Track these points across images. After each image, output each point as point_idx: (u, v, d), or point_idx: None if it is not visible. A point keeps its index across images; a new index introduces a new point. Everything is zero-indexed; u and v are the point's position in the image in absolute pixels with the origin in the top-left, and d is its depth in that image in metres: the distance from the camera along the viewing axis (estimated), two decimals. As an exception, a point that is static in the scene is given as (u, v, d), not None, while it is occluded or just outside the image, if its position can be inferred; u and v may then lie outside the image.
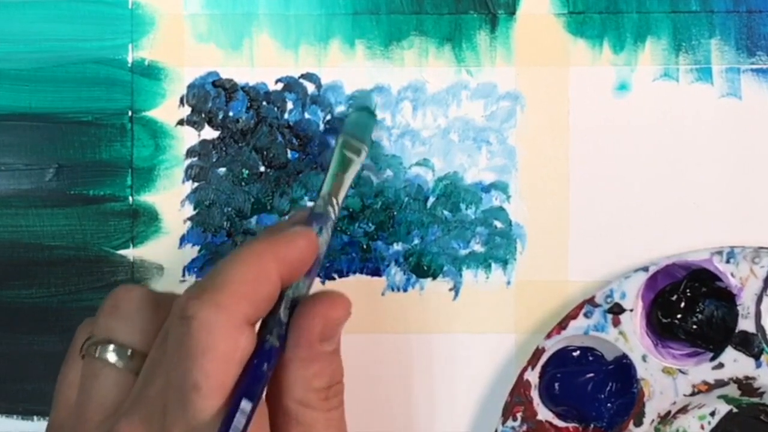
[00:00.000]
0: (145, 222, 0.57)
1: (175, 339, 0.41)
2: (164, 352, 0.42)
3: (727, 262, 0.54)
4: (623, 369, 0.55)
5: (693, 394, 0.54)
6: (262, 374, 0.42)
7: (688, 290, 0.55)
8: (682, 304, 0.55)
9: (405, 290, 0.57)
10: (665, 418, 0.55)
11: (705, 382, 0.54)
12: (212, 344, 0.40)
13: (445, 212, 0.57)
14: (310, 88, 0.57)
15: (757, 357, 0.54)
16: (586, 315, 0.54)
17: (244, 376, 0.41)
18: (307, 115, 0.57)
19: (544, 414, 0.55)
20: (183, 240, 0.57)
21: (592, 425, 0.55)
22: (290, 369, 0.43)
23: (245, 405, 0.40)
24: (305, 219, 0.47)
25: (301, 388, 0.43)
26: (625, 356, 0.54)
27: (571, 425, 0.55)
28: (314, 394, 0.43)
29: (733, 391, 0.54)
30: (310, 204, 0.56)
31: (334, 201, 0.48)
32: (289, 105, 0.57)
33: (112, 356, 0.44)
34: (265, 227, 0.51)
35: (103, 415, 0.43)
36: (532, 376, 0.55)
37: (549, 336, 0.55)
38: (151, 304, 0.45)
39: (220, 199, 0.57)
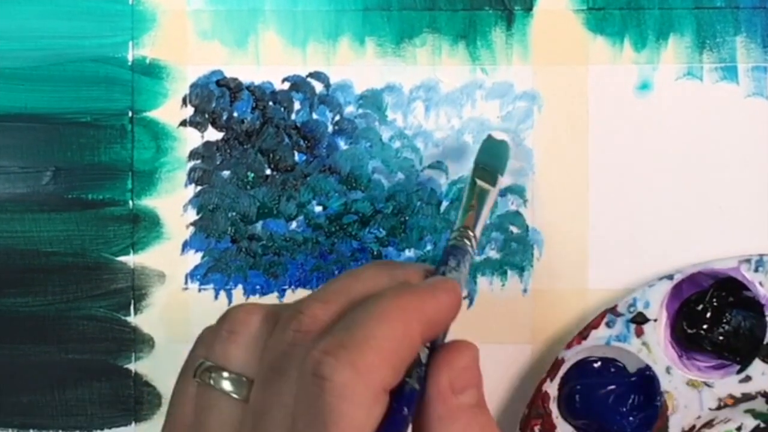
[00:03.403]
0: (146, 227, 0.57)
1: (305, 399, 0.38)
2: (286, 403, 0.39)
3: (756, 270, 0.53)
4: (646, 381, 0.54)
5: (719, 407, 0.54)
6: (402, 420, 0.39)
7: (714, 300, 0.54)
8: (708, 314, 0.54)
9: (417, 299, 0.56)
10: (690, 433, 0.55)
11: (731, 396, 0.54)
12: (347, 414, 0.38)
13: (460, 217, 0.56)
14: (319, 87, 0.56)
15: (785, 369, 0.53)
16: (608, 324, 0.54)
17: (383, 425, 0.38)
18: (315, 116, 0.56)
19: (563, 428, 0.55)
20: (185, 246, 0.57)
21: (613, 440, 0.55)
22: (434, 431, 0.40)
23: None
24: (434, 270, 0.44)
25: None
26: (648, 368, 0.54)
27: (591, 439, 0.55)
28: None
29: (760, 405, 0.54)
30: (318, 208, 0.56)
31: (471, 234, 0.47)
32: (297, 105, 0.56)
33: (227, 385, 0.41)
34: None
35: None
36: (551, 388, 0.54)
37: (569, 346, 0.54)
38: (270, 325, 0.42)
39: (224, 204, 0.56)
